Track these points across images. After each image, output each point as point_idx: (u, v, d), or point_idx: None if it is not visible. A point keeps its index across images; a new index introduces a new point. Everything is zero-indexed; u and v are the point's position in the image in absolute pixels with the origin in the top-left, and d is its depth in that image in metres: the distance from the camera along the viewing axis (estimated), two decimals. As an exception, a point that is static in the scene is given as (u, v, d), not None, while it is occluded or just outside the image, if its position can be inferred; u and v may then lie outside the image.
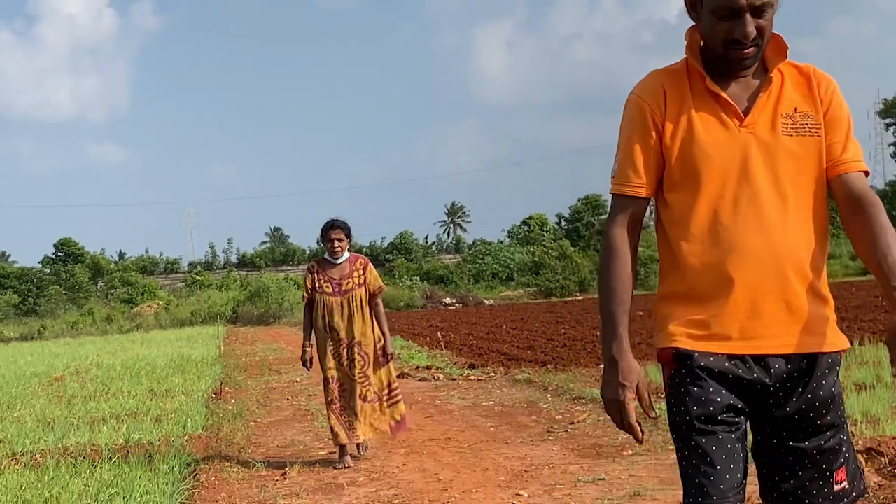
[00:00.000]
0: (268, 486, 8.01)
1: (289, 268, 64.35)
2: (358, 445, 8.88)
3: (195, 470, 8.57)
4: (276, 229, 74.92)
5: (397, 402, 8.95)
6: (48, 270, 61.19)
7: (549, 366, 15.56)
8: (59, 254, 64.54)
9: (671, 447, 8.41)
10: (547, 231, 62.44)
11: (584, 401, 11.45)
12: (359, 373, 8.65)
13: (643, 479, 7.33)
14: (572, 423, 10.21)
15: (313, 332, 8.88)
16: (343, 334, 8.63)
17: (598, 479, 7.56)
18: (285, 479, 8.36)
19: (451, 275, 58.03)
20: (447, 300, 52.99)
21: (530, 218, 63.56)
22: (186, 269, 68.34)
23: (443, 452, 9.04)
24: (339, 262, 8.78)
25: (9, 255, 63.18)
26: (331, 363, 8.65)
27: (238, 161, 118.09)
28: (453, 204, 79.88)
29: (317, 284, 8.75)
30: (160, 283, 62.49)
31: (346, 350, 8.64)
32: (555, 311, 35.98)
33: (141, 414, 12.23)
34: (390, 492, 7.51)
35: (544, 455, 8.70)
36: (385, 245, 68.91)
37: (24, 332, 44.40)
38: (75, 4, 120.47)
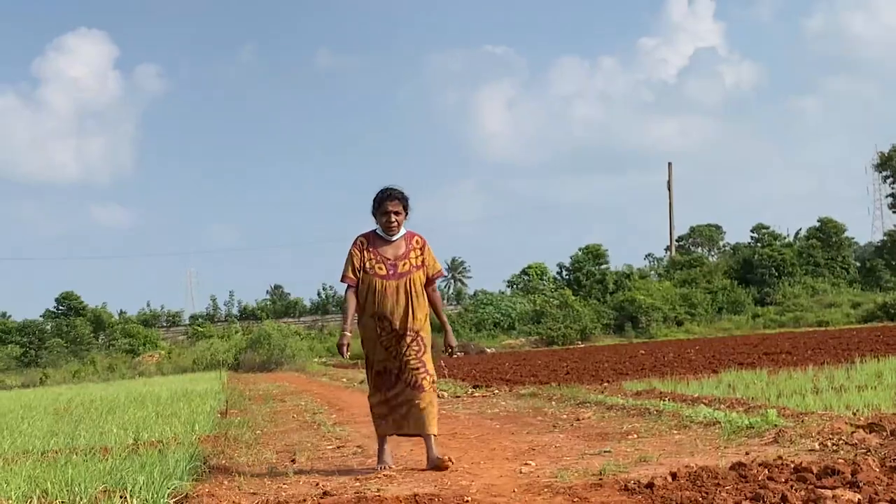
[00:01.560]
0: (277, 468, 8.10)
1: (290, 319, 64.29)
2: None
3: (205, 458, 8.64)
4: (277, 287, 74.86)
5: (434, 390, 7.62)
6: (49, 324, 61.17)
7: (552, 384, 15.63)
8: (60, 307, 64.57)
9: (675, 432, 8.53)
10: (547, 280, 62.52)
11: (588, 404, 11.54)
12: (415, 359, 7.36)
13: (648, 452, 7.43)
14: (577, 419, 10.30)
15: (358, 320, 7.58)
16: (397, 324, 7.36)
17: (605, 452, 7.67)
18: (294, 463, 8.45)
19: (453, 324, 57.94)
20: (449, 349, 52.90)
21: (529, 267, 63.65)
22: (188, 322, 68.29)
23: (450, 443, 9.12)
24: (393, 238, 7.51)
25: (9, 315, 63.00)
26: (381, 355, 7.43)
27: (239, 219, 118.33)
28: (454, 259, 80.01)
29: (367, 264, 7.43)
30: (161, 335, 62.50)
31: (398, 341, 7.37)
32: (557, 354, 36.02)
33: (149, 425, 12.30)
34: (398, 467, 7.59)
35: (550, 440, 8.79)
36: (387, 297, 69.00)
37: (25, 380, 44.34)
38: (80, 68, 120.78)
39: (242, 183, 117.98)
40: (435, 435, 7.42)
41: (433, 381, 7.45)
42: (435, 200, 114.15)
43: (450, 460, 7.24)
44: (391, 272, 7.40)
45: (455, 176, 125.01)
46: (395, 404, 7.44)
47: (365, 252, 7.47)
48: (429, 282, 7.55)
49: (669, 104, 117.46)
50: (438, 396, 15.82)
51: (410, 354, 7.36)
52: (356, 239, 7.58)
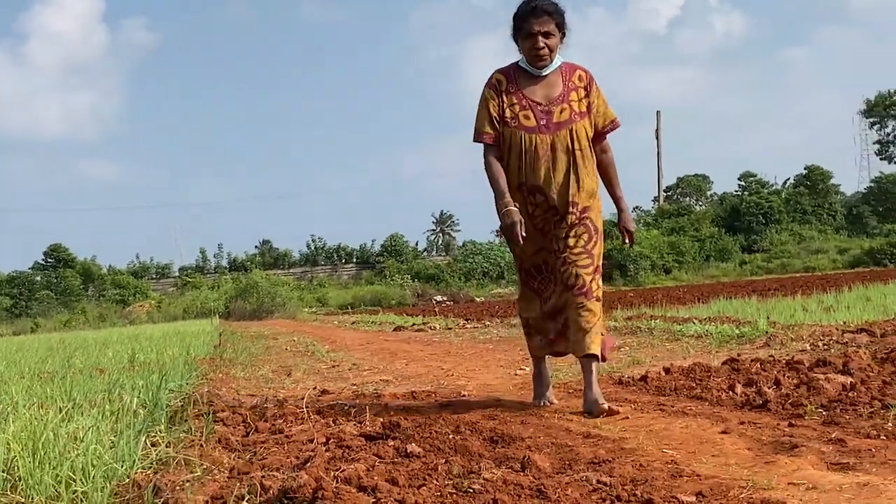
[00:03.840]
0: (274, 381, 8.16)
1: (280, 271, 64.27)
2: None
3: (202, 374, 8.70)
4: (266, 241, 74.62)
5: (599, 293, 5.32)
6: (39, 276, 61.10)
7: (544, 315, 15.73)
8: (49, 260, 64.44)
9: (667, 343, 8.63)
10: (536, 229, 62.76)
11: (580, 327, 11.64)
12: (580, 251, 5.15)
13: (641, 357, 7.52)
14: (570, 339, 10.40)
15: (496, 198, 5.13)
16: (555, 198, 5.13)
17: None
18: (290, 376, 8.52)
19: (442, 274, 58.15)
20: (438, 298, 53.05)
21: (519, 217, 63.79)
22: (177, 273, 68.27)
23: (445, 357, 9.22)
24: (544, 73, 5.18)
25: (-4, 268, 62.85)
26: (533, 244, 5.21)
27: (227, 173, 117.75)
28: (442, 213, 79.79)
29: (507, 112, 5.16)
30: (151, 287, 62.47)
31: (556, 224, 5.18)
32: (546, 299, 36.24)
33: (144, 350, 12.35)
34: (393, 376, 7.67)
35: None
36: (376, 248, 68.95)
37: (16, 329, 44.41)
38: (66, 22, 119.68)
39: (230, 136, 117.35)
40: (599, 359, 5.25)
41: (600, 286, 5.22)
42: (424, 153, 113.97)
43: (614, 410, 4.89)
44: (543, 122, 5.13)
45: (442, 130, 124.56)
46: (550, 312, 5.31)
47: (504, 95, 5.17)
48: (598, 136, 5.25)
49: (659, 55, 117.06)
50: (430, 329, 15.98)
51: (574, 243, 5.15)
52: (491, 76, 5.27)
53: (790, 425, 4.09)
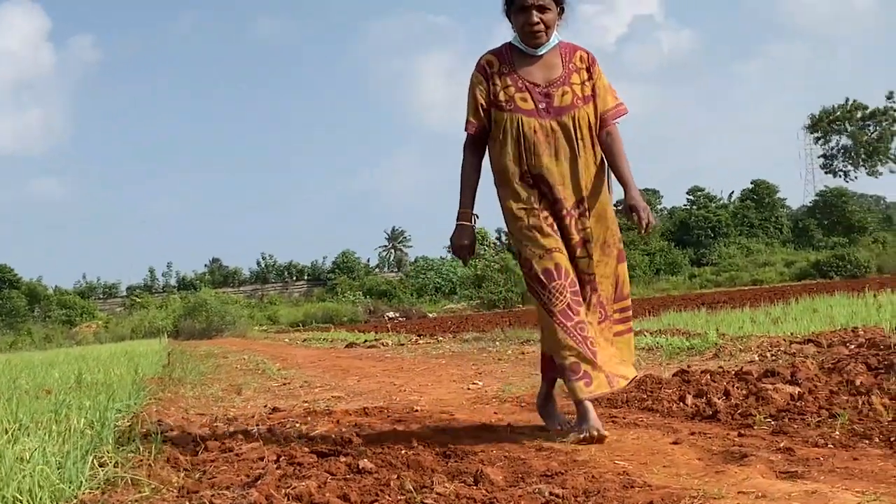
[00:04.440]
0: (224, 399, 8.09)
1: (230, 289, 63.88)
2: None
3: (151, 393, 8.60)
4: (215, 260, 74.16)
5: (629, 325, 4.82)
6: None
7: (496, 330, 15.76)
8: (-7, 281, 63.61)
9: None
10: (487, 244, 62.78)
11: (532, 342, 11.64)
12: (598, 261, 4.54)
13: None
14: (523, 353, 10.41)
15: (498, 190, 4.64)
16: (560, 188, 4.49)
17: (550, 371, 7.77)
18: (240, 395, 8.45)
19: (395, 290, 58.20)
20: (390, 314, 52.99)
21: (470, 233, 63.89)
22: (125, 293, 67.63)
23: (398, 373, 9.19)
24: (540, 52, 4.60)
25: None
26: (550, 241, 4.44)
27: (177, 190, 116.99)
28: (394, 229, 79.77)
29: (500, 95, 4.56)
30: (98, 307, 61.84)
31: (569, 218, 4.50)
32: (499, 315, 36.26)
33: (91, 370, 12.19)
34: (345, 393, 7.63)
35: (496, 368, 8.89)
36: (327, 265, 68.79)
37: (-40, 351, 43.75)
38: (13, 40, 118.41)
39: (180, 153, 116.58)
40: (629, 382, 4.63)
41: (608, 301, 4.60)
42: (376, 169, 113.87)
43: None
44: (543, 105, 4.52)
45: (394, 145, 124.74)
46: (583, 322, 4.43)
47: (497, 77, 4.57)
48: (603, 123, 4.60)
49: (609, 71, 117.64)
50: (382, 345, 15.91)
51: (594, 255, 4.52)
52: (480, 59, 4.67)
53: (740, 435, 4.12)
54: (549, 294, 4.36)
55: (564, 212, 4.47)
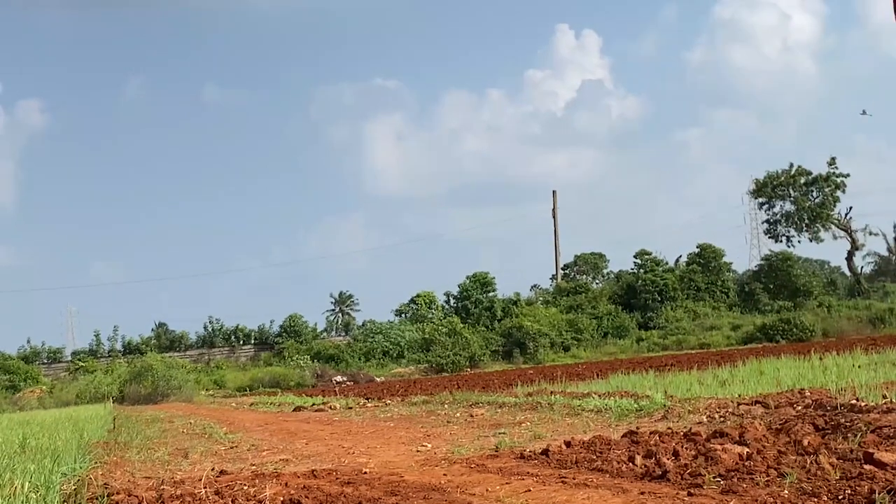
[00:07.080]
0: (170, 463, 7.99)
1: (176, 353, 63.03)
2: None
3: (96, 457, 8.46)
4: (161, 324, 73.21)
5: None
6: (-78, 363, 58.89)
7: (444, 393, 15.71)
8: (-66, 345, 62.28)
9: (567, 418, 8.68)
10: (435, 308, 62.70)
11: (480, 404, 11.64)
12: None
13: (542, 432, 7.55)
14: (471, 416, 10.38)
15: None
16: None
17: (500, 433, 7.78)
18: (187, 458, 8.35)
19: (342, 354, 57.69)
20: (338, 378, 52.54)
21: (418, 296, 63.67)
22: (69, 358, 66.46)
23: (346, 436, 9.14)
24: None
25: None
26: None
27: (123, 256, 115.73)
28: (341, 293, 79.34)
29: None
30: (42, 372, 60.64)
31: None
32: (447, 378, 36.15)
33: (35, 435, 11.97)
34: (293, 456, 7.57)
35: (445, 430, 8.86)
36: (275, 329, 68.19)
37: None
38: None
39: (127, 219, 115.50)
40: None
41: None
42: (324, 233, 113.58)
43: None
44: None
45: (344, 209, 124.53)
46: None
47: None
48: None
49: (557, 136, 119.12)
50: (330, 408, 15.80)
51: None
52: None
53: (689, 495, 4.14)
54: None
55: None
